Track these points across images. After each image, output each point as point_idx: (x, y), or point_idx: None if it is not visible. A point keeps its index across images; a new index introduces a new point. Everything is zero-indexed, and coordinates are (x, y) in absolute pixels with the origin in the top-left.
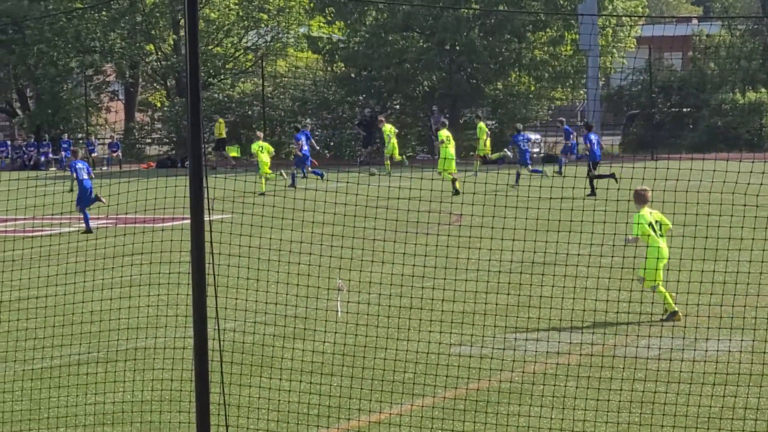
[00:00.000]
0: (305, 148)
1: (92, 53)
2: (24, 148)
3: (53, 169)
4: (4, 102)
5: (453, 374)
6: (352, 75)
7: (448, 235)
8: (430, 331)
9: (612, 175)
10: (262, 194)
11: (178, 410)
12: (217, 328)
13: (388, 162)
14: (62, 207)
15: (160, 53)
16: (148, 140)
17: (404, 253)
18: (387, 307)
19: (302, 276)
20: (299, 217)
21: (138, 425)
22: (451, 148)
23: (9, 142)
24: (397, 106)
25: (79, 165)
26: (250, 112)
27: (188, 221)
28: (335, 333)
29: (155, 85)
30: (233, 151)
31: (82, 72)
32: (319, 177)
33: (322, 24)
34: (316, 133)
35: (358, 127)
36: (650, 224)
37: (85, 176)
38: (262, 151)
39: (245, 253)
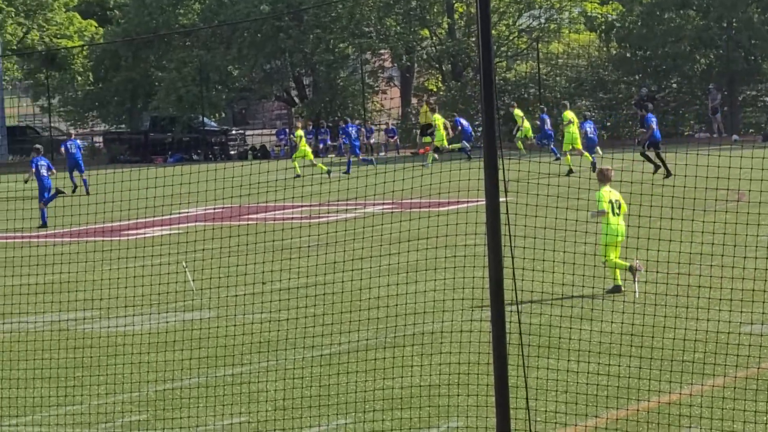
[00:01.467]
0: (354, 136)
1: (368, 39)
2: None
3: (332, 156)
4: (282, 91)
5: (744, 353)
6: (628, 55)
7: (737, 212)
8: (719, 310)
9: (659, 161)
10: (298, 177)
11: (467, 393)
12: (518, 311)
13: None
14: (346, 194)
15: (434, 38)
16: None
17: (691, 231)
18: (675, 286)
19: (588, 256)
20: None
21: (427, 409)
22: (573, 129)
23: (288, 130)
24: (674, 85)
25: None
26: (526, 95)
27: (468, 204)
28: (623, 313)
29: (431, 70)
30: (427, 138)
31: (358, 58)
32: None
33: (596, 3)
34: (593, 113)
35: (636, 107)
36: (609, 201)
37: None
38: (300, 140)
39: (530, 233)
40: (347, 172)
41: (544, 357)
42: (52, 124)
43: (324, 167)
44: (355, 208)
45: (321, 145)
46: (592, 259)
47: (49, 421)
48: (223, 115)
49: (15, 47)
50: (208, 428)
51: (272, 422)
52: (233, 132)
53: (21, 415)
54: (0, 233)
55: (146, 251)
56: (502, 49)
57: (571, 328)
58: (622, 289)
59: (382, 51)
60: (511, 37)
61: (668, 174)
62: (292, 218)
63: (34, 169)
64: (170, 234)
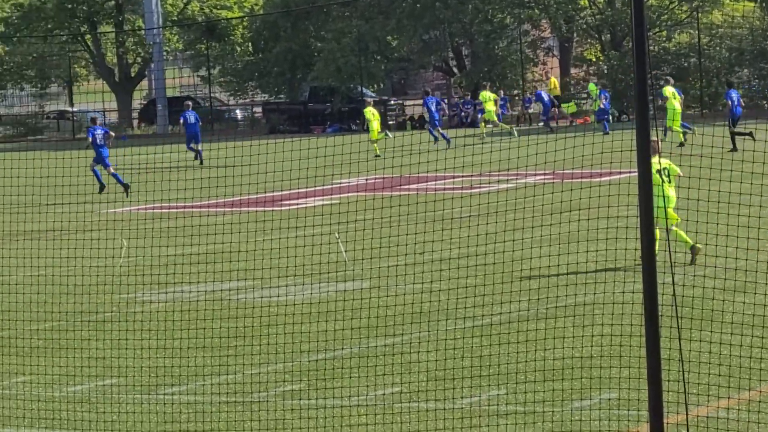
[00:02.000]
0: (435, 111)
1: (527, 8)
2: (461, 106)
3: (490, 126)
4: (440, 61)
5: None
6: None
7: None
8: None
9: (750, 134)
10: (377, 156)
11: (619, 365)
12: (672, 282)
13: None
14: (506, 164)
15: (593, 7)
16: (584, 95)
17: None
18: None
19: (742, 228)
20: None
21: (580, 381)
22: (677, 104)
23: (446, 100)
24: None
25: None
26: (686, 64)
27: (626, 176)
28: None
29: (590, 39)
30: (571, 107)
31: (517, 28)
32: (435, 140)
33: None
34: (753, 83)
35: None
36: (658, 171)
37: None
38: (374, 117)
39: (683, 205)
40: (437, 141)
41: (697, 329)
42: (213, 94)
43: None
44: (512, 179)
45: (480, 116)
46: (746, 231)
47: (204, 390)
48: (382, 85)
49: (176, 18)
50: (362, 398)
51: (426, 393)
52: (392, 102)
53: (177, 384)
54: (159, 203)
55: (303, 221)
56: (663, 18)
57: (724, 301)
58: (698, 248)
59: (541, 22)
60: (671, 7)
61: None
62: (449, 189)
63: (90, 138)
64: (330, 204)
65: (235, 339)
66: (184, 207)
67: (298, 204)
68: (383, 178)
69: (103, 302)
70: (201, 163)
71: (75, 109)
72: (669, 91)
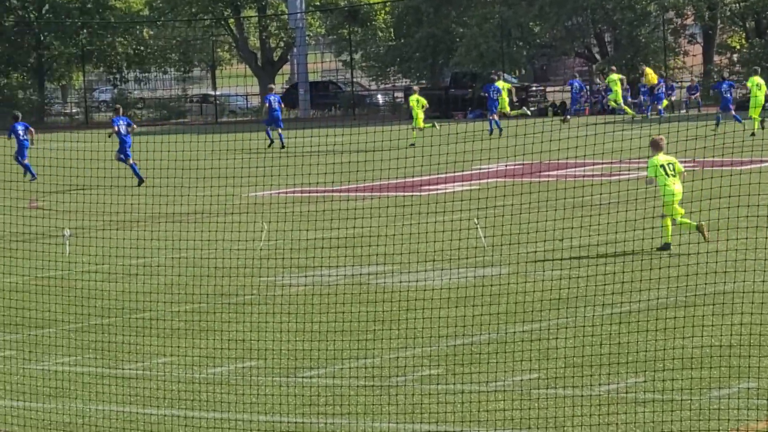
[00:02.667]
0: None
1: None
2: (604, 93)
3: (632, 113)
4: (582, 47)
5: None
6: None
7: None
8: None
9: None
10: (413, 145)
11: (759, 355)
12: None
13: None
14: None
15: None
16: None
17: None
18: None
19: None
20: None
21: (719, 369)
22: (761, 95)
23: (587, 87)
24: None
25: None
26: None
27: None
28: None
29: (734, 27)
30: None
31: (661, 15)
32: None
33: None
34: None
35: None
36: (662, 166)
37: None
38: (418, 104)
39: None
40: (491, 132)
41: None
42: (355, 79)
43: (416, 131)
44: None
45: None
46: None
47: (343, 374)
48: (524, 71)
49: (318, 3)
50: (499, 384)
51: (564, 379)
52: (533, 88)
53: (316, 367)
54: (300, 187)
55: (443, 207)
56: None
57: None
58: (671, 246)
59: (685, 9)
60: None
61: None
62: (588, 175)
63: (116, 128)
64: (469, 190)
65: (374, 323)
66: (325, 191)
67: (438, 189)
68: (523, 164)
69: (244, 285)
70: (282, 146)
71: (218, 93)
72: (756, 80)
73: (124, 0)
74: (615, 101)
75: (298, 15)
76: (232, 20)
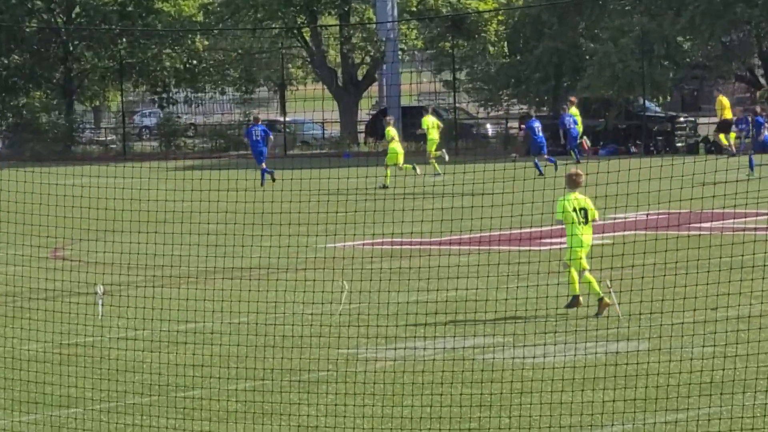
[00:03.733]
0: (540, 135)
1: None
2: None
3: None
4: (744, 69)
5: None
6: None
7: None
8: None
9: None
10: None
11: None
12: None
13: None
14: None
15: None
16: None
17: None
18: None
19: None
20: None
21: None
22: None
23: (749, 118)
24: None
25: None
26: None
27: None
28: None
29: None
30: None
31: None
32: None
33: None
34: None
35: None
36: (574, 210)
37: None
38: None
39: None
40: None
41: None
42: (458, 104)
43: (409, 167)
44: None
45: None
46: None
47: None
48: (669, 98)
49: (414, 9)
50: None
51: None
52: (682, 119)
53: None
54: (390, 237)
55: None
56: None
57: None
58: (581, 301)
59: None
60: None
61: None
62: (751, 229)
63: (246, 137)
64: (601, 244)
65: (480, 408)
66: (421, 243)
67: (561, 243)
68: (668, 213)
69: (318, 358)
70: (262, 184)
71: (288, 119)
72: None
73: (173, 3)
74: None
75: (389, 24)
76: (306, 29)
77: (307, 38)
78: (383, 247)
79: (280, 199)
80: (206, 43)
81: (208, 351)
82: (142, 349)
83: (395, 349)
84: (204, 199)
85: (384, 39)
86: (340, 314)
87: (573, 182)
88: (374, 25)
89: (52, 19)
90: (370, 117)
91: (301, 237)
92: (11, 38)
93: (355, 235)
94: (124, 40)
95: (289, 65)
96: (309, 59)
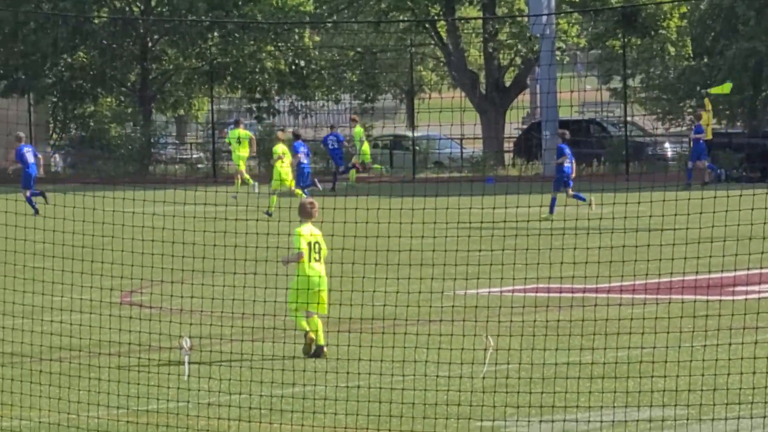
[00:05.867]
0: (567, 164)
1: None
2: None
3: None
4: None
5: None
6: None
7: None
8: None
9: None
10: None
11: None
12: None
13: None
14: None
15: None
16: None
17: None
18: None
19: None
20: None
21: None
22: None
23: None
24: None
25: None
26: None
27: None
28: None
29: None
30: None
31: None
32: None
33: None
34: None
35: None
36: (309, 243)
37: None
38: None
39: None
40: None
41: None
42: (629, 118)
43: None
44: None
45: None
46: None
47: None
48: None
49: (576, 0)
50: None
51: None
52: None
53: None
54: (546, 283)
55: None
56: None
57: None
58: (313, 345)
59: None
60: None
61: None
62: None
63: (299, 154)
64: None
65: None
66: (583, 290)
67: (760, 292)
68: None
69: (456, 430)
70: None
71: (418, 134)
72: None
73: None
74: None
75: (544, 18)
76: (442, 23)
77: (443, 34)
78: (537, 294)
79: (409, 234)
80: (317, 39)
81: (317, 422)
82: (236, 418)
83: (551, 421)
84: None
85: (538, 36)
86: (483, 377)
87: (306, 212)
88: (526, 19)
89: (127, 9)
90: (520, 132)
91: (434, 281)
92: (76, 32)
93: (502, 279)
94: (215, 34)
95: (420, 67)
96: (444, 60)
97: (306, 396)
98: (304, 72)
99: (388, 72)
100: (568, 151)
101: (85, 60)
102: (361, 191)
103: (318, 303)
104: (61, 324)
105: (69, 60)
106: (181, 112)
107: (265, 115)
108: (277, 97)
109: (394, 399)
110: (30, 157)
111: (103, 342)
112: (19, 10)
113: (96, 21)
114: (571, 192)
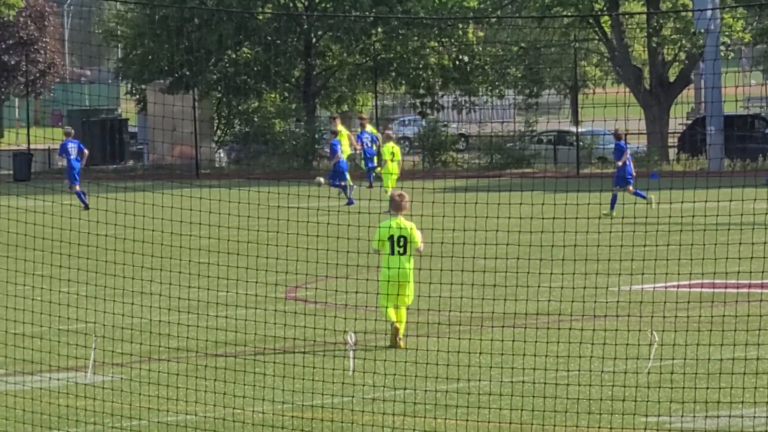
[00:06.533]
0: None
1: None
2: None
3: None
4: None
5: None
6: None
7: None
8: None
9: None
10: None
11: None
12: None
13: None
14: None
15: None
16: None
17: None
18: None
19: None
20: None
21: None
22: None
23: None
24: None
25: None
26: None
27: None
28: None
29: None
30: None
31: None
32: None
33: None
34: None
35: None
36: (390, 237)
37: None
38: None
39: None
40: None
41: None
42: None
43: None
44: None
45: None
46: None
47: None
48: None
49: None
50: None
51: None
52: None
53: None
54: (708, 278)
55: None
56: None
57: None
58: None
59: None
60: None
61: None
62: None
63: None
64: None
65: None
66: (749, 286)
67: None
68: None
69: (620, 427)
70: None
71: (582, 130)
72: None
73: None
74: None
75: (709, 12)
76: (606, 18)
77: (607, 29)
78: (701, 290)
79: (573, 229)
80: (481, 35)
81: (481, 417)
82: (401, 413)
83: (717, 416)
84: (471, 228)
85: (703, 31)
86: (648, 373)
87: (396, 205)
88: (691, 14)
89: (291, 4)
90: (685, 128)
91: (598, 277)
92: (241, 28)
93: (667, 274)
94: (379, 30)
95: (584, 63)
96: (608, 55)
97: (470, 391)
98: (468, 67)
99: (552, 67)
100: (626, 148)
101: (249, 56)
102: (526, 187)
103: (400, 295)
104: (227, 319)
105: (233, 56)
106: (345, 108)
107: (428, 111)
108: (440, 93)
109: (558, 394)
110: (73, 152)
111: (267, 337)
112: (185, 6)
113: (260, 17)
114: (631, 189)
